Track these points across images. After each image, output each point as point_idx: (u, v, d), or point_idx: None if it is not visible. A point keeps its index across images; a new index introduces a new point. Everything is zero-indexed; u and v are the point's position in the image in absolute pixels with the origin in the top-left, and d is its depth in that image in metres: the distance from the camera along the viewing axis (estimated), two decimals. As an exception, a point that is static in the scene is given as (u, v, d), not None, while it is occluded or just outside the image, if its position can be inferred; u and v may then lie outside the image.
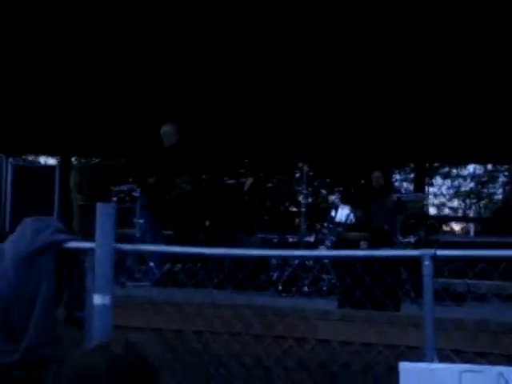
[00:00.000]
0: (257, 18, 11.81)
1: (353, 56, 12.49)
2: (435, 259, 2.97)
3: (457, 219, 16.10)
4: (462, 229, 14.05)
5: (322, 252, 6.92)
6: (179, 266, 7.56)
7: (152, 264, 7.72)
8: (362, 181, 10.33)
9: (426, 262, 2.96)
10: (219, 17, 11.78)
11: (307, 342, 4.73)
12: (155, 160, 8.39)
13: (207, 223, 8.17)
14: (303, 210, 8.17)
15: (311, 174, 9.02)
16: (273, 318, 4.98)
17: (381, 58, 12.52)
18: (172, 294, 6.01)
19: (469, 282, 6.36)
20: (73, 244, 3.71)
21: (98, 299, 3.58)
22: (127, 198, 8.00)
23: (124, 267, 7.28)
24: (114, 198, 7.90)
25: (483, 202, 18.18)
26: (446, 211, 17.59)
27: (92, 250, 3.59)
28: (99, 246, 3.60)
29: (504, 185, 18.28)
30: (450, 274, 5.10)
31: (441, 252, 2.98)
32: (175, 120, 8.66)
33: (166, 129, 8.40)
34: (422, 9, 11.74)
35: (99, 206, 3.61)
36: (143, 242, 7.60)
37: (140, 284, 7.52)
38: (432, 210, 14.63)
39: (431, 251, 2.96)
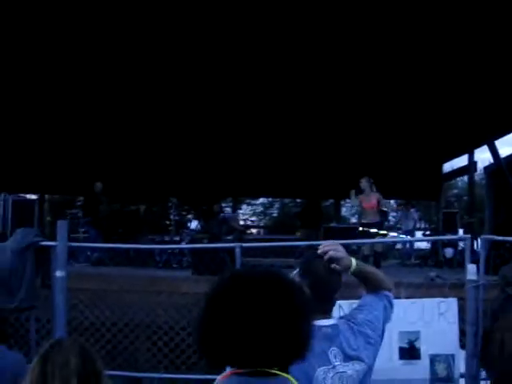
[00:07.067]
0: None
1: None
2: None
3: (255, 227, 27.89)
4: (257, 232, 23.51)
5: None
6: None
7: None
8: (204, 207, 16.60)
9: (237, 249, 6.18)
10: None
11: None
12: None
13: (120, 230, 14.44)
14: (173, 223, 15.72)
15: (178, 203, 16.81)
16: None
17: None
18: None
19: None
20: (44, 243, 6.47)
21: (58, 273, 6.33)
22: (78, 215, 14.03)
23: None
24: (68, 216, 13.76)
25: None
26: (249, 223, 29.55)
27: (55, 246, 6.34)
28: (59, 244, 6.37)
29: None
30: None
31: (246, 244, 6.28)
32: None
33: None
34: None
35: (59, 222, 6.35)
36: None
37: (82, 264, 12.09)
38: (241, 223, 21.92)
39: (239, 244, 6.22)
